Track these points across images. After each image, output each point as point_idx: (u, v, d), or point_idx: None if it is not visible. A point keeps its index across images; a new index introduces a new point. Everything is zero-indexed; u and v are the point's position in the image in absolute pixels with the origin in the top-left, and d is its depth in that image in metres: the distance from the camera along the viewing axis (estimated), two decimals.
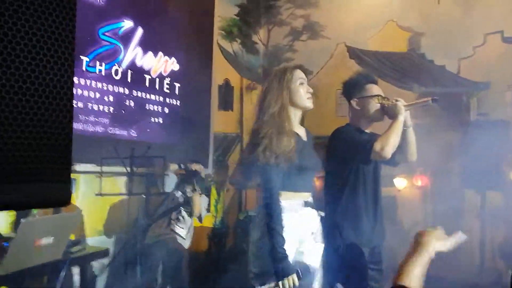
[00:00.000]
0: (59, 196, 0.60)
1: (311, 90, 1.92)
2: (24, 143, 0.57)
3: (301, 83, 1.90)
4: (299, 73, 1.92)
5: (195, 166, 3.42)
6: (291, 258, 1.74)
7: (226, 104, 4.96)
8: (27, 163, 0.58)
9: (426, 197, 3.96)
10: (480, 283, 2.80)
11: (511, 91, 3.62)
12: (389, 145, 1.99)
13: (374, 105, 2.17)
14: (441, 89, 3.84)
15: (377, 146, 2.00)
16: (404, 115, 2.07)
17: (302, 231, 1.82)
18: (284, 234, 1.73)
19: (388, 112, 2.13)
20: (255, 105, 1.96)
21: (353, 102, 2.22)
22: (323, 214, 2.06)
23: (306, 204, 1.86)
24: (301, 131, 1.96)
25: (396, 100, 2.10)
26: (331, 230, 2.13)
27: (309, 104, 1.92)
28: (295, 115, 1.93)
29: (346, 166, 2.15)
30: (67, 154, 0.60)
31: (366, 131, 2.23)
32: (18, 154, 0.56)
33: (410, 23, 4.33)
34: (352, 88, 2.24)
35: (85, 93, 3.31)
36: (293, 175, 1.79)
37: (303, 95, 1.89)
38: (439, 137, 3.39)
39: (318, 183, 4.90)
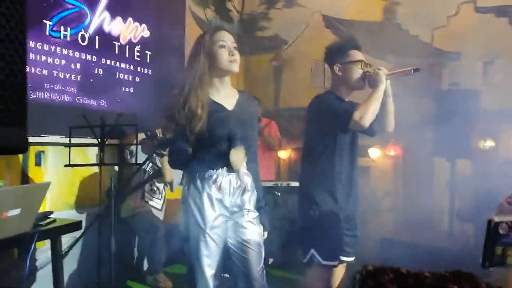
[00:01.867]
0: (15, 142, 0.54)
1: (235, 53, 1.76)
2: None
3: (222, 46, 1.75)
4: (220, 35, 1.78)
5: (161, 132, 3.33)
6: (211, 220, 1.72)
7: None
8: None
9: (398, 166, 4.05)
10: (450, 247, 2.92)
11: (482, 61, 3.69)
12: (368, 114, 1.99)
13: (357, 72, 2.15)
14: (415, 60, 3.87)
15: (356, 115, 1.99)
16: (385, 84, 2.06)
17: (226, 196, 1.75)
18: (203, 199, 1.72)
19: (370, 81, 2.12)
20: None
21: (336, 68, 2.19)
22: (296, 184, 2.04)
23: (230, 170, 1.73)
24: (228, 100, 1.82)
25: (378, 69, 2.09)
26: (306, 198, 2.15)
27: (233, 67, 1.76)
28: (221, 82, 1.81)
29: (324, 134, 2.14)
30: (22, 98, 0.54)
31: (346, 99, 2.21)
32: None
33: None
34: (335, 54, 2.20)
35: (50, 60, 3.12)
36: (209, 146, 1.71)
37: (224, 58, 1.75)
38: (412, 107, 3.44)
39: (293, 154, 4.91)
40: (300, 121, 2.25)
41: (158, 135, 2.94)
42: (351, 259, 2.23)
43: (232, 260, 1.79)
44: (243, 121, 1.81)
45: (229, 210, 1.77)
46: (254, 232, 1.79)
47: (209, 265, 1.71)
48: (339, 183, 2.15)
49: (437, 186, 3.63)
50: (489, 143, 3.53)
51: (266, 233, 1.91)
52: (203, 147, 1.73)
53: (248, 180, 1.81)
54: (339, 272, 2.27)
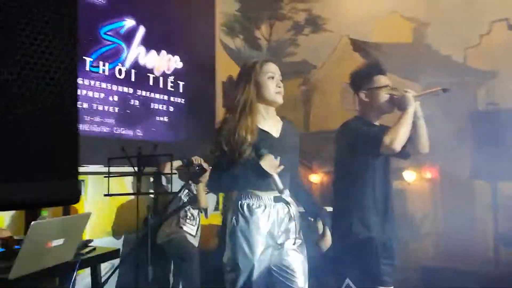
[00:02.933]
0: (68, 194, 0.58)
1: (281, 85, 1.85)
2: (32, 140, 0.56)
3: (270, 77, 1.83)
4: (269, 67, 1.86)
5: (197, 159, 3.39)
6: (259, 253, 1.72)
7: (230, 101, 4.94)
8: (36, 161, 0.56)
9: (435, 189, 3.92)
10: (495, 274, 2.76)
11: None
12: (398, 138, 1.96)
13: (383, 97, 2.13)
14: (447, 79, 3.80)
15: (386, 139, 1.96)
16: (414, 106, 2.04)
17: (274, 226, 1.77)
18: (252, 231, 1.72)
19: (398, 104, 2.09)
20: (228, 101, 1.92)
21: (362, 94, 2.18)
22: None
23: (277, 200, 1.77)
24: (273, 128, 1.87)
25: (405, 91, 2.07)
26: (341, 225, 2.10)
27: (278, 99, 1.84)
28: (266, 111, 1.86)
29: (355, 160, 2.12)
30: (75, 151, 0.59)
31: (376, 123, 2.19)
32: (26, 151, 0.55)
33: (414, 13, 4.28)
34: (360, 80, 2.20)
35: (90, 93, 3.29)
36: (257, 173, 1.71)
37: (272, 89, 1.82)
38: (447, 127, 3.36)
39: (325, 178, 4.86)
40: (331, 144, 2.24)
41: (195, 162, 3.01)
42: None
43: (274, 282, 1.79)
44: (288, 148, 1.86)
45: (276, 241, 1.79)
46: (297, 260, 1.80)
47: None
48: (373, 209, 2.10)
49: (478, 209, 3.48)
50: None
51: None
52: (250, 173, 1.75)
53: (293, 208, 1.84)
54: None
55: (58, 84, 0.64)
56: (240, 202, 1.78)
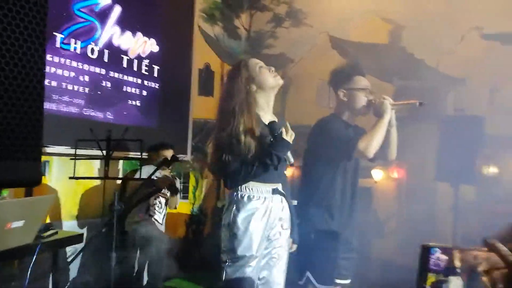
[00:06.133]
0: (30, 175, 0.56)
1: (273, 68, 1.91)
2: None
3: (261, 66, 1.89)
4: (254, 60, 1.92)
5: (167, 153, 3.36)
6: (258, 243, 1.77)
7: (206, 89, 4.88)
8: None
9: (401, 189, 4.04)
10: None
11: (488, 88, 3.71)
12: (372, 146, 2.00)
13: (361, 99, 2.15)
14: (420, 83, 3.90)
15: (361, 145, 2.00)
16: (390, 115, 2.07)
17: (271, 217, 1.83)
18: (252, 222, 1.76)
19: (375, 110, 2.13)
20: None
21: (340, 93, 2.20)
22: (295, 202, 2.06)
23: (275, 191, 1.84)
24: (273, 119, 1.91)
25: (384, 98, 2.10)
26: (303, 219, 2.13)
27: (279, 81, 1.90)
28: (268, 103, 1.91)
29: (326, 157, 2.14)
30: (38, 132, 0.56)
31: (351, 124, 2.22)
32: None
33: (392, 15, 4.35)
34: (340, 78, 2.21)
35: (59, 71, 3.16)
36: (279, 149, 1.77)
37: (268, 75, 1.88)
38: (416, 130, 3.45)
39: (296, 172, 4.91)
40: (304, 139, 2.25)
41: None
42: (347, 281, 2.20)
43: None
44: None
45: (271, 231, 1.84)
46: (286, 249, 1.89)
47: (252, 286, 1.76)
48: (338, 205, 2.14)
49: (440, 210, 3.62)
50: (493, 169, 3.53)
51: (294, 246, 1.99)
52: (257, 162, 1.77)
53: (287, 200, 1.90)
54: None
55: (22, 62, 0.60)
56: (240, 194, 1.80)
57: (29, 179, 0.62)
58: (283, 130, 1.77)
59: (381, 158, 2.23)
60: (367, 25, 4.49)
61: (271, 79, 1.88)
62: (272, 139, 1.77)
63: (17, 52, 0.58)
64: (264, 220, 1.79)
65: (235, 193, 1.82)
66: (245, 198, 1.79)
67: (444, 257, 0.98)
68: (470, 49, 3.80)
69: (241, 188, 1.80)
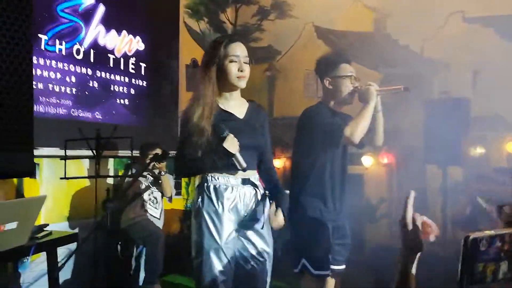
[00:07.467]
0: (22, 166, 0.57)
1: (244, 68, 1.77)
2: None
3: (232, 60, 1.76)
4: (233, 49, 1.77)
5: (157, 150, 3.37)
6: (226, 235, 1.72)
7: (194, 84, 4.88)
8: None
9: (391, 173, 4.09)
10: (442, 254, 2.94)
11: (471, 70, 3.76)
12: (358, 131, 2.03)
13: (347, 86, 2.17)
14: (405, 69, 3.94)
15: (347, 131, 2.03)
16: (375, 101, 2.10)
17: (241, 209, 1.77)
18: (219, 213, 1.72)
19: (360, 96, 2.15)
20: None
21: (326, 81, 2.22)
22: (287, 192, 2.06)
23: (245, 182, 1.78)
24: (237, 109, 1.85)
25: (369, 84, 2.12)
26: (296, 208, 2.16)
27: (241, 83, 1.78)
28: (230, 92, 1.83)
29: (314, 145, 2.17)
30: (29, 126, 0.58)
31: (337, 111, 2.25)
32: None
33: (376, 3, 4.37)
34: (326, 66, 2.23)
35: (45, 73, 3.16)
36: (220, 153, 1.70)
37: (233, 73, 1.76)
38: (403, 115, 3.50)
39: (287, 163, 4.94)
40: (294, 130, 2.27)
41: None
42: (342, 267, 2.24)
43: (241, 272, 1.78)
44: (255, 129, 1.84)
45: (243, 224, 1.77)
46: (268, 244, 1.82)
47: (223, 281, 1.70)
48: (329, 193, 2.17)
49: (430, 192, 3.67)
50: (480, 150, 3.59)
51: (281, 218, 1.87)
52: (214, 155, 1.72)
53: (260, 191, 1.83)
54: (332, 282, 2.27)
55: (10, 58, 0.62)
56: (206, 184, 1.76)
57: (23, 169, 0.64)
58: (228, 137, 1.70)
59: (369, 145, 2.27)
60: (351, 14, 4.51)
61: (233, 79, 1.77)
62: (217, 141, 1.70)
63: (5, 49, 0.60)
64: (233, 210, 1.74)
65: (201, 184, 1.78)
66: (211, 188, 1.74)
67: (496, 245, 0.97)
68: (453, 32, 3.84)
69: (208, 178, 1.76)
